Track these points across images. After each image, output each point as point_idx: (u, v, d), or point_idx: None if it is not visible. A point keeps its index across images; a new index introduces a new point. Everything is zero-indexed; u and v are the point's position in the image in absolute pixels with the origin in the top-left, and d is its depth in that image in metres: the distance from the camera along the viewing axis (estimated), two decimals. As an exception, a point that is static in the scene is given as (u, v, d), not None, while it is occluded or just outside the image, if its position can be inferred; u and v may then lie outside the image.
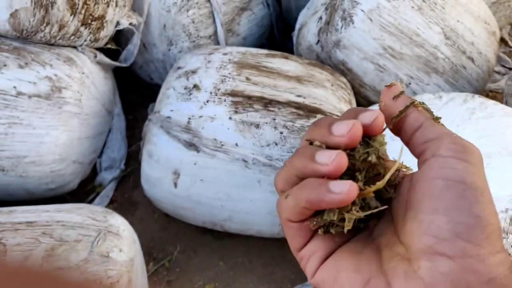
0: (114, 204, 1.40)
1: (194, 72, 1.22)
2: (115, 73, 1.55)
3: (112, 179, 1.42)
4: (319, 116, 1.17)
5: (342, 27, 1.31)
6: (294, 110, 1.16)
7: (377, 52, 1.30)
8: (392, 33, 1.29)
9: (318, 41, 1.38)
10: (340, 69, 1.36)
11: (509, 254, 0.81)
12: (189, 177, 1.15)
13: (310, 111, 1.17)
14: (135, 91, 1.66)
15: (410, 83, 1.33)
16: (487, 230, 0.29)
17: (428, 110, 0.34)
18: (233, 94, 1.17)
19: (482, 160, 0.32)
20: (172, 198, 1.20)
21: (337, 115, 1.20)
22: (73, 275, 0.88)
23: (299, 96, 1.19)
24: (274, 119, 1.15)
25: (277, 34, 1.74)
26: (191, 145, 1.15)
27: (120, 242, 0.97)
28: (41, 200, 1.35)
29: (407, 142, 0.34)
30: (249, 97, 1.17)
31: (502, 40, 1.79)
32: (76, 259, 0.90)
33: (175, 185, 1.17)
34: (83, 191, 1.41)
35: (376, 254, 0.33)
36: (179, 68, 1.26)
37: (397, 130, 0.35)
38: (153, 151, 1.18)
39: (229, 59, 1.24)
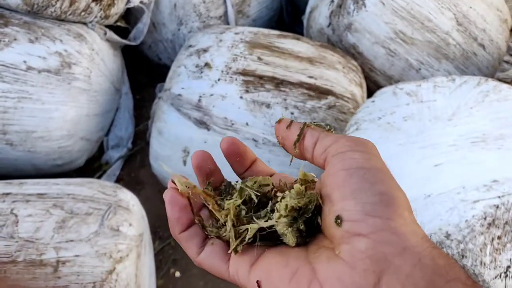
0: (121, 183, 1.40)
1: (205, 50, 1.21)
2: (123, 53, 1.54)
3: (119, 158, 1.42)
4: (330, 97, 1.17)
5: (354, 10, 1.31)
6: (305, 91, 1.16)
7: (389, 36, 1.30)
8: (404, 18, 1.28)
9: (330, 24, 1.38)
10: (351, 52, 1.35)
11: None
12: (199, 155, 1.15)
13: (321, 92, 1.17)
14: (143, 71, 1.66)
15: (420, 69, 1.33)
16: (394, 203, 0.31)
17: (320, 126, 0.37)
18: (244, 73, 1.17)
19: (376, 148, 0.35)
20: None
21: (348, 97, 1.20)
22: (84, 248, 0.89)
23: (310, 77, 1.18)
24: (285, 99, 1.15)
25: (286, 18, 1.73)
26: (201, 123, 1.14)
27: (130, 217, 0.97)
28: (48, 176, 1.35)
29: (311, 159, 0.37)
30: (261, 77, 1.16)
31: (512, 30, 1.78)
32: (87, 231, 0.90)
33: (184, 163, 1.17)
34: (89, 169, 1.41)
35: (303, 251, 0.35)
36: (190, 46, 1.25)
37: (301, 154, 0.38)
38: (163, 129, 1.18)
39: (241, 39, 1.24)
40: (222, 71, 1.17)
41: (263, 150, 1.13)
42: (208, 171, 0.43)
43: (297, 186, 0.37)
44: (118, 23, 1.44)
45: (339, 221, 0.32)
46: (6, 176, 1.29)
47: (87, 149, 1.34)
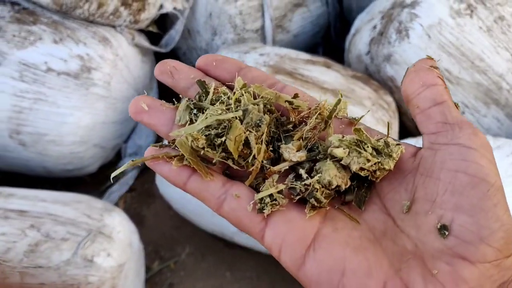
0: (133, 193, 1.36)
1: (224, 71, 1.14)
2: (159, 57, 1.50)
3: (135, 167, 1.38)
4: (350, 138, 1.06)
5: (396, 40, 1.18)
6: (323, 128, 1.06)
7: (432, 73, 1.16)
8: (452, 54, 1.14)
9: (369, 52, 1.25)
10: (388, 85, 1.23)
11: None
12: (201, 183, 1.08)
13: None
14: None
15: (464, 112, 1.18)
16: (507, 234, 0.28)
17: (450, 93, 0.33)
18: (259, 101, 1.08)
19: (493, 154, 0.31)
20: (183, 200, 1.14)
21: (371, 140, 1.08)
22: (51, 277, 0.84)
23: (332, 112, 1.08)
24: (300, 135, 1.05)
25: (334, 34, 1.62)
26: (207, 150, 1.07)
27: (110, 246, 0.91)
28: (60, 179, 1.34)
29: (419, 113, 0.33)
30: (277, 107, 1.07)
31: None
32: (58, 259, 0.86)
33: (187, 188, 1.10)
34: (104, 175, 1.38)
35: (378, 247, 0.30)
36: (210, 64, 1.18)
37: (409, 97, 0.33)
38: (168, 150, 1.12)
39: (264, 61, 1.15)
40: (236, 97, 1.09)
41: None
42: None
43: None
44: (150, 28, 1.40)
45: (445, 232, 0.29)
46: (20, 174, 1.29)
47: (101, 156, 1.31)
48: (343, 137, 0.33)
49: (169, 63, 0.39)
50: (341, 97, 0.36)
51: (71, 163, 1.26)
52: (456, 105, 0.33)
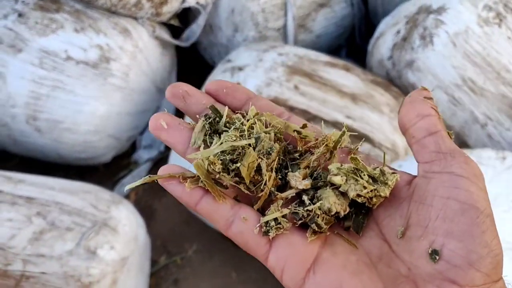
0: (145, 186, 1.35)
1: (241, 69, 1.12)
2: (182, 51, 1.49)
3: (148, 159, 1.38)
4: (365, 145, 1.04)
5: (419, 46, 1.15)
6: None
7: (455, 82, 1.13)
8: (477, 64, 1.10)
9: (391, 57, 1.22)
10: (409, 92, 1.19)
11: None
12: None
13: (356, 137, 1.03)
14: (197, 72, 1.60)
15: (486, 125, 1.15)
16: (496, 260, 0.29)
17: (443, 123, 0.35)
18: (275, 101, 1.06)
19: (484, 182, 0.32)
20: (192, 197, 1.13)
21: (387, 147, 1.06)
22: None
23: (348, 117, 1.06)
24: (313, 138, 1.03)
25: (358, 37, 1.59)
26: (219, 148, 1.06)
27: (114, 239, 0.91)
28: (74, 166, 1.34)
29: (414, 142, 0.34)
30: (292, 108, 1.05)
31: None
32: (61, 249, 0.86)
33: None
34: (117, 165, 1.38)
35: (374, 271, 0.32)
36: (228, 61, 1.17)
37: (405, 127, 0.35)
38: (180, 145, 1.11)
39: (283, 61, 1.13)
40: (251, 95, 1.07)
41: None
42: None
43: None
44: (172, 22, 1.39)
45: (436, 257, 0.30)
46: (35, 160, 1.30)
47: (114, 146, 1.31)
48: (341, 165, 0.36)
49: (182, 87, 0.40)
50: (346, 129, 0.38)
51: (85, 151, 1.26)
52: (450, 134, 0.34)
